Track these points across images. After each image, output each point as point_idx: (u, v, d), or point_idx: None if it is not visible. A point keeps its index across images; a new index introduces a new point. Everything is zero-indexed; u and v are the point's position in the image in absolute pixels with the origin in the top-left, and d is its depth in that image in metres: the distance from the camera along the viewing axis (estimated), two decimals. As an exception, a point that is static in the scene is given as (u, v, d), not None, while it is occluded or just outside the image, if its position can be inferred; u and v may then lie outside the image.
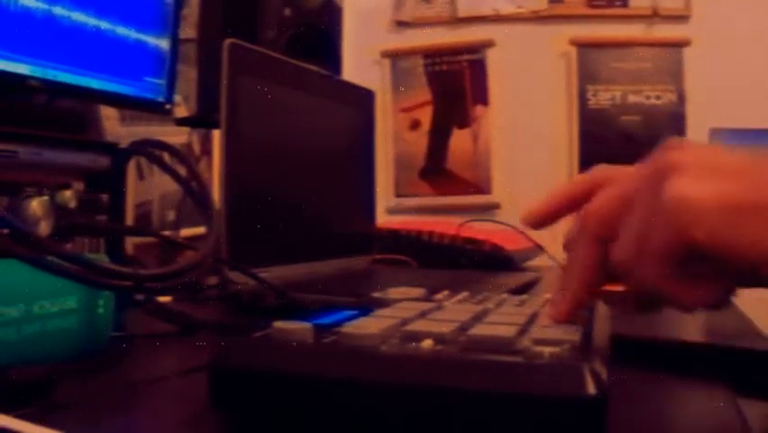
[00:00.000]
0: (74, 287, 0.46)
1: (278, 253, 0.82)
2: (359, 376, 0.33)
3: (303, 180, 0.91)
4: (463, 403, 0.31)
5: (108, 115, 0.94)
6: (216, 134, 0.99)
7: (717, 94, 2.10)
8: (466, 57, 2.38)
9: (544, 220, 0.43)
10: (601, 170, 0.40)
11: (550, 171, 2.26)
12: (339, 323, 0.38)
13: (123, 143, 0.75)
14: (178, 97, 0.93)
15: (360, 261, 1.04)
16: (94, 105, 0.84)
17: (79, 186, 0.71)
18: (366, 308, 0.44)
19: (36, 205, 0.61)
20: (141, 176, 1.17)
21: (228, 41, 0.78)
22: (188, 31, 1.01)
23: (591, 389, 0.30)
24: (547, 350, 0.33)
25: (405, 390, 0.32)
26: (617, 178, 0.38)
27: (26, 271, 0.41)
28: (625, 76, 2.25)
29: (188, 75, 1.03)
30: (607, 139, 2.26)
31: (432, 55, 2.40)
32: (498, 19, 2.34)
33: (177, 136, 1.20)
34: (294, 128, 0.91)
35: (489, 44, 2.34)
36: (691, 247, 0.32)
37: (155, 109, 0.87)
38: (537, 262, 1.15)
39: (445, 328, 0.37)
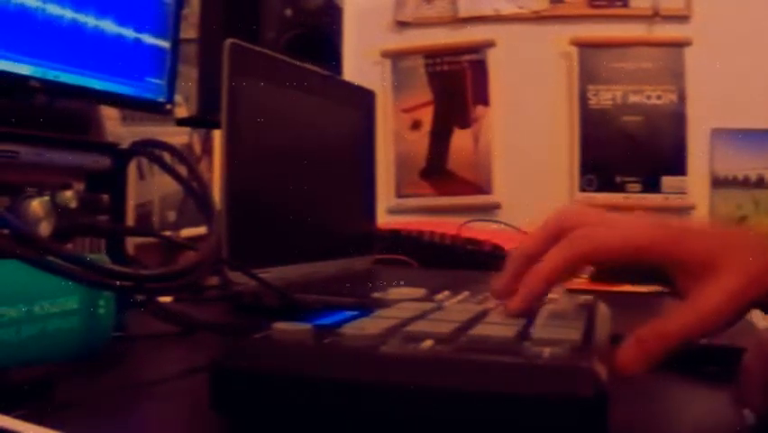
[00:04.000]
0: (75, 287, 0.46)
1: (278, 254, 0.82)
2: (359, 377, 0.33)
3: (304, 181, 0.91)
4: (464, 404, 0.31)
5: (109, 115, 0.94)
6: (217, 134, 0.99)
7: (718, 94, 2.10)
8: (467, 57, 2.38)
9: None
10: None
11: (551, 172, 2.25)
12: (339, 324, 0.38)
13: (124, 144, 0.75)
14: (178, 98, 0.93)
15: (360, 261, 1.04)
16: (95, 105, 0.84)
17: (80, 186, 0.71)
18: (366, 308, 0.44)
19: (37, 205, 0.61)
20: (141, 176, 1.17)
21: (229, 42, 0.78)
22: (189, 31, 1.01)
23: (591, 389, 0.30)
24: (547, 350, 0.33)
25: (405, 390, 0.32)
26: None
27: (27, 271, 0.41)
28: (626, 76, 2.25)
29: (189, 75, 1.03)
30: (607, 139, 2.25)
31: (433, 55, 2.40)
32: (498, 19, 2.33)
33: (177, 136, 1.20)
34: (295, 129, 0.91)
35: (489, 44, 2.34)
36: None
37: (156, 109, 0.87)
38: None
39: (446, 329, 0.37)
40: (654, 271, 0.42)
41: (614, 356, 0.37)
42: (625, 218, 0.44)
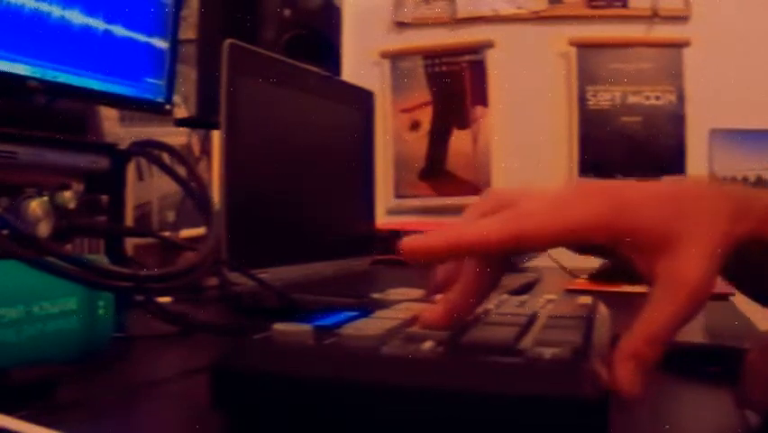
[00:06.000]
0: (74, 288, 0.46)
1: (277, 254, 0.82)
2: (359, 378, 0.33)
3: (303, 181, 0.91)
4: (464, 405, 0.31)
5: (108, 115, 0.94)
6: (216, 135, 0.99)
7: (717, 94, 2.10)
8: (466, 57, 2.38)
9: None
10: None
11: (550, 172, 2.25)
12: (339, 324, 0.38)
13: (123, 144, 0.75)
14: (177, 98, 0.93)
15: (360, 262, 1.04)
16: (93, 105, 0.84)
17: (79, 187, 0.70)
18: (366, 309, 0.44)
19: (36, 206, 0.61)
20: (140, 177, 1.17)
21: (228, 42, 0.78)
22: (188, 31, 1.01)
23: (592, 390, 0.30)
24: (548, 351, 0.33)
25: (405, 391, 0.32)
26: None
27: (26, 272, 0.41)
28: (624, 76, 2.25)
29: (188, 75, 1.03)
30: (607, 140, 2.26)
31: (432, 56, 2.40)
32: (497, 19, 2.33)
33: (176, 137, 1.20)
34: (294, 129, 0.91)
35: (488, 45, 2.34)
36: None
37: (155, 110, 0.87)
38: (537, 262, 1.15)
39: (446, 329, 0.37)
40: (602, 249, 0.37)
41: (612, 382, 0.32)
42: (560, 194, 0.37)
